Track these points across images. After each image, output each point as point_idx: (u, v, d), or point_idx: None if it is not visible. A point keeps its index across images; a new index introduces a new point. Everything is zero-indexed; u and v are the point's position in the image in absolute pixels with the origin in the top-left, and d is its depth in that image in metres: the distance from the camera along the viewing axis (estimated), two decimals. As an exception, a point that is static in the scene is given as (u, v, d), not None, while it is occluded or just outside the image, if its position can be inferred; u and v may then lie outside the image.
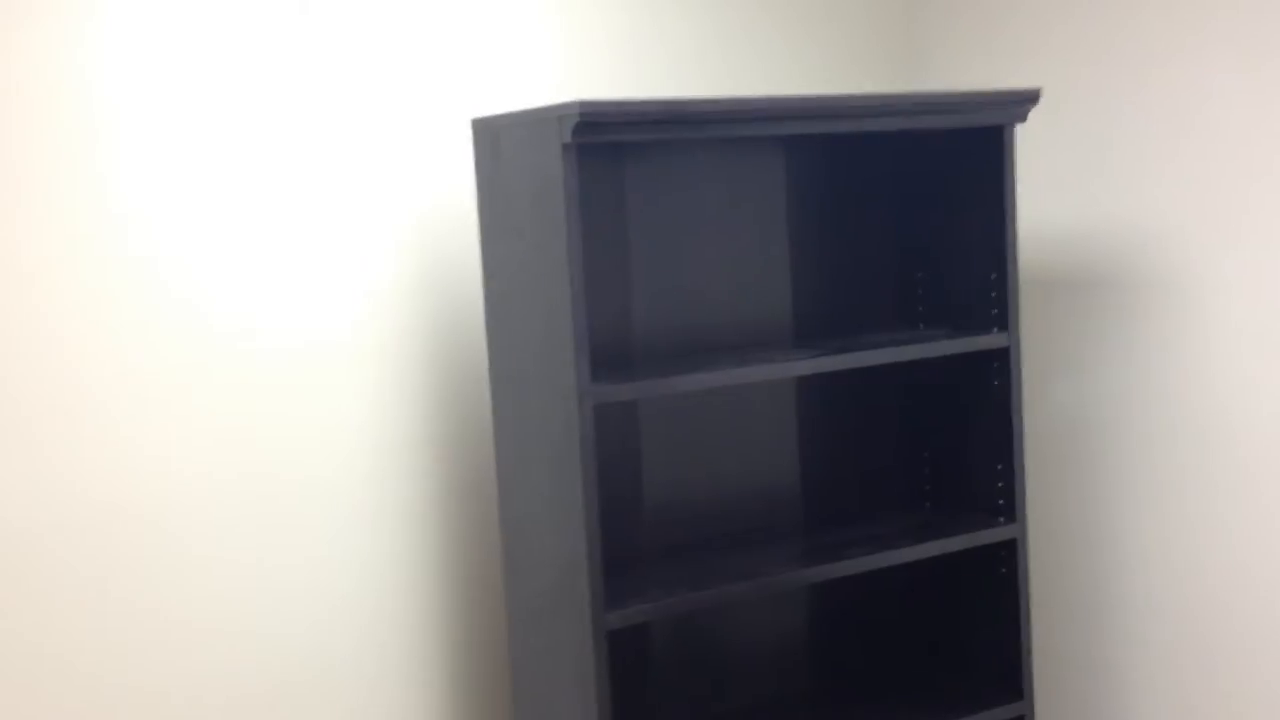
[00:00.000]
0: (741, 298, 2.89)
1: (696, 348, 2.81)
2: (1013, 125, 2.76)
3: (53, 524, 2.43)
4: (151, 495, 2.52)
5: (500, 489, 2.62)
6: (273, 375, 2.63)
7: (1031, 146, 3.10)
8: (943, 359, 2.82)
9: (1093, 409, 3.13)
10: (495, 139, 2.52)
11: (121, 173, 2.47)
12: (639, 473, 2.80)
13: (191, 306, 2.55)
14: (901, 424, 3.07)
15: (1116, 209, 3.04)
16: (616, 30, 2.99)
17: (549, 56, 2.91)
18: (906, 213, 3.01)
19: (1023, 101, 2.74)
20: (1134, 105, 2.99)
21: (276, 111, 2.62)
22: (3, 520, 2.38)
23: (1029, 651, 2.87)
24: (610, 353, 2.70)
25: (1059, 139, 3.11)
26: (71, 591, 2.45)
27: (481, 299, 2.71)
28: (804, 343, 2.86)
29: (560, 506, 2.44)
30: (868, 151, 2.99)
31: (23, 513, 2.40)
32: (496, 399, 2.60)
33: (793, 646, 3.03)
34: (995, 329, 2.82)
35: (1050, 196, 3.15)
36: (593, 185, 2.64)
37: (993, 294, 2.82)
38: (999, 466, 2.86)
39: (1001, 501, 2.86)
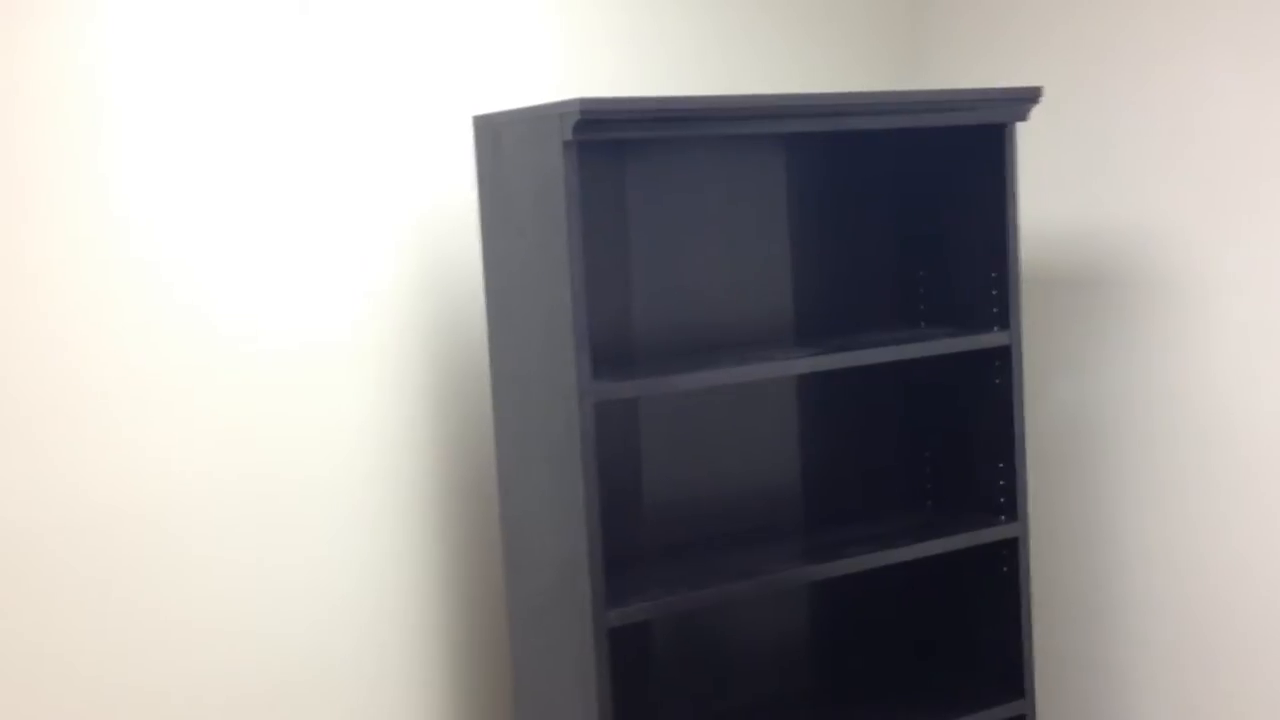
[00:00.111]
0: (742, 296, 2.88)
1: (697, 346, 2.81)
2: (1014, 124, 2.76)
3: (54, 524, 2.42)
4: (153, 496, 2.51)
5: (501, 487, 2.62)
6: (273, 375, 2.63)
7: (1033, 145, 3.09)
8: (944, 358, 2.81)
9: (1094, 408, 3.13)
10: (496, 136, 2.52)
11: (123, 173, 2.47)
12: (640, 471, 2.80)
13: (192, 306, 2.54)
14: (902, 423, 3.07)
15: (1118, 208, 3.04)
16: (617, 29, 2.99)
17: (550, 54, 2.91)
18: (907, 211, 3.00)
19: (1024, 100, 2.74)
20: (1135, 104, 2.99)
21: (277, 111, 2.61)
22: (4, 520, 2.38)
23: (1030, 651, 2.86)
24: (611, 351, 2.70)
25: (1060, 138, 3.11)
26: (72, 591, 2.44)
27: (482, 297, 2.71)
28: (805, 341, 2.86)
29: (561, 505, 2.44)
30: (869, 150, 2.98)
31: (24, 513, 2.40)
32: (497, 397, 2.60)
33: (793, 645, 3.03)
34: (996, 328, 2.81)
35: (1051, 195, 3.15)
36: (594, 183, 2.64)
37: (994, 292, 2.82)
38: (1000, 465, 2.86)
39: (1003, 500, 2.86)
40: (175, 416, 2.53)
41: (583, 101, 2.29)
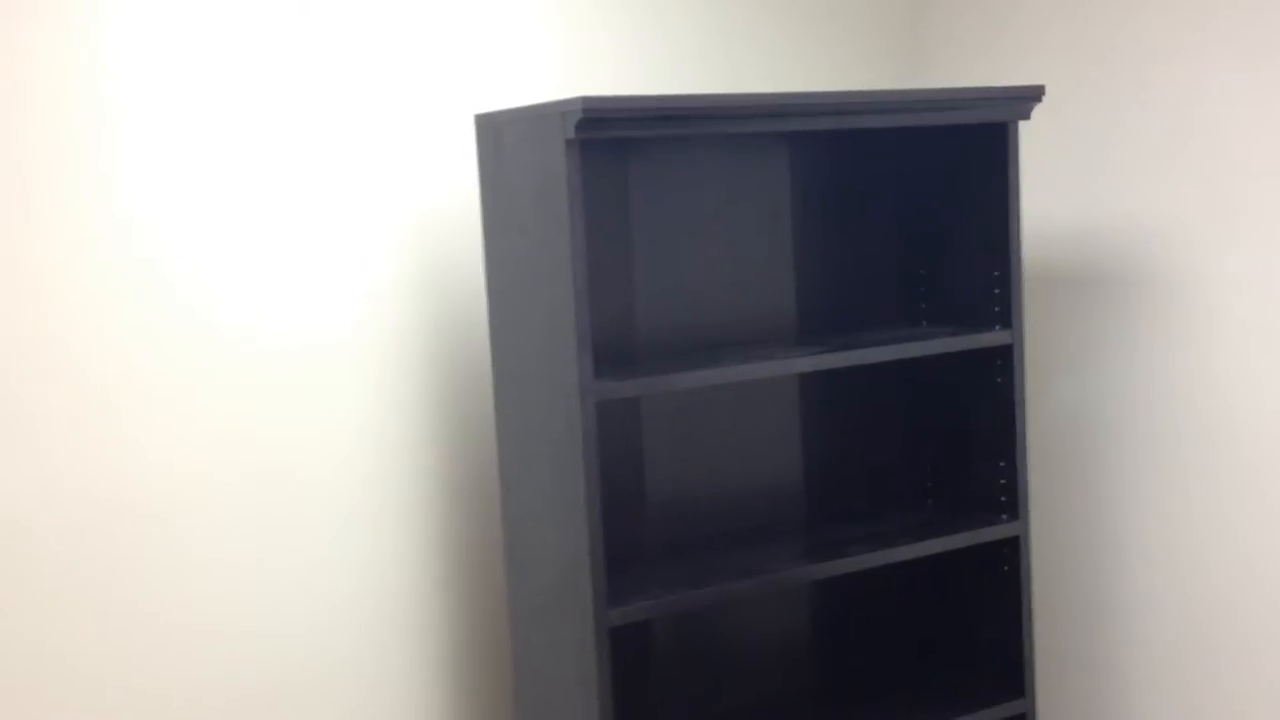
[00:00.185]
0: (744, 294, 2.88)
1: (699, 344, 2.80)
2: (1016, 122, 2.76)
3: (55, 524, 2.42)
4: (154, 496, 2.51)
5: (502, 486, 2.62)
6: (274, 375, 2.63)
7: (1035, 144, 3.09)
8: (946, 356, 2.81)
9: (1096, 406, 3.12)
10: (498, 135, 2.52)
11: (124, 173, 2.46)
12: (641, 470, 2.79)
13: (193, 306, 2.54)
14: (904, 421, 3.06)
15: (1119, 206, 3.04)
16: (619, 27, 2.98)
17: (552, 53, 2.91)
18: (910, 210, 3.00)
19: (1026, 99, 2.73)
20: (1137, 103, 2.99)
21: (278, 111, 2.61)
22: (6, 519, 2.38)
23: (1031, 649, 2.86)
24: (613, 349, 2.70)
25: (1062, 136, 3.11)
26: (73, 591, 2.44)
27: (483, 296, 2.71)
28: (807, 340, 2.86)
29: (562, 504, 2.43)
30: (871, 148, 2.98)
31: (25, 513, 2.39)
32: (498, 396, 2.60)
33: (795, 644, 3.03)
34: (998, 326, 2.81)
35: (1053, 194, 3.14)
36: (596, 182, 2.63)
37: (996, 291, 2.82)
38: (1001, 464, 2.86)
39: (1004, 499, 2.86)
40: (176, 416, 2.53)
41: (585, 100, 2.29)
